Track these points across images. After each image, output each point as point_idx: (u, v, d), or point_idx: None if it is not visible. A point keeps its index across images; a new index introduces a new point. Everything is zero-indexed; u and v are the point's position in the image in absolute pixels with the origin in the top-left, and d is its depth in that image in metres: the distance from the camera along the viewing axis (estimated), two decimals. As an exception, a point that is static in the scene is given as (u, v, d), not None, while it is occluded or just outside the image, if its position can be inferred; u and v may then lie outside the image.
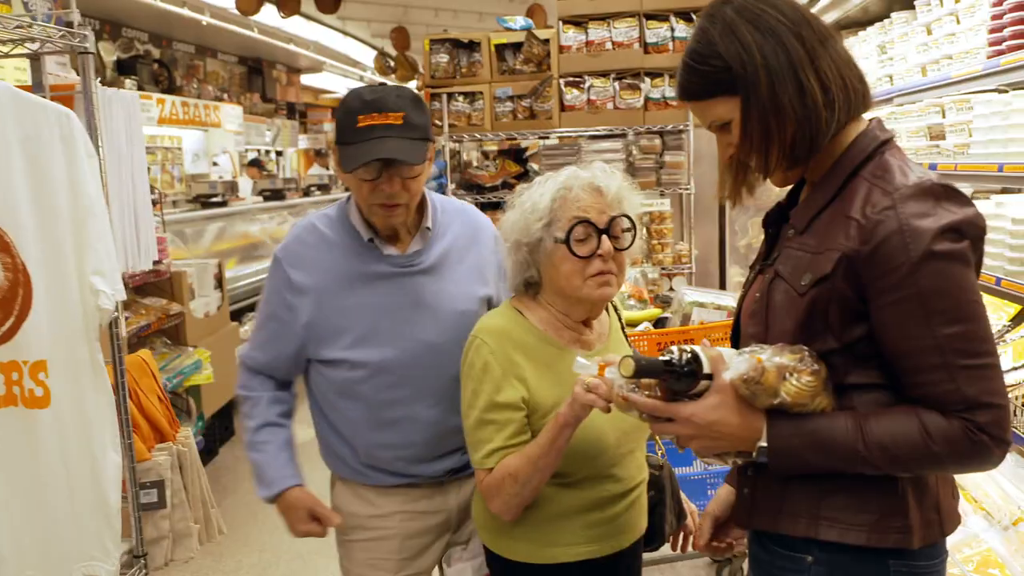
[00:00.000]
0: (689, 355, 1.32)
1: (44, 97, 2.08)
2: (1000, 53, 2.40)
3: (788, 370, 1.29)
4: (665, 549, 2.01)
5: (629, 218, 1.67)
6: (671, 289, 4.25)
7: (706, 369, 1.32)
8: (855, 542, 1.33)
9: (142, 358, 2.58)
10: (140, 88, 9.08)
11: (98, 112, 2.23)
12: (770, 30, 1.32)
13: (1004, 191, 2.94)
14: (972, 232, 1.26)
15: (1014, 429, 2.30)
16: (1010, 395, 2.33)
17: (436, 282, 1.92)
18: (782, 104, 1.31)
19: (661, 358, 1.33)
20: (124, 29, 9.90)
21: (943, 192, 1.27)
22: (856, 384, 1.34)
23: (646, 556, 1.95)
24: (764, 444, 1.32)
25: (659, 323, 3.52)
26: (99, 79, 2.31)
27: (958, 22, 2.73)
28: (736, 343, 1.52)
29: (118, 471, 2.08)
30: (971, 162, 2.57)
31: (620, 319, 1.92)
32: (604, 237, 1.62)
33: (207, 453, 5.18)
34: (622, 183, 1.69)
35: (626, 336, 1.90)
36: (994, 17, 2.45)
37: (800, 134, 1.32)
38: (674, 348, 1.34)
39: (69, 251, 1.94)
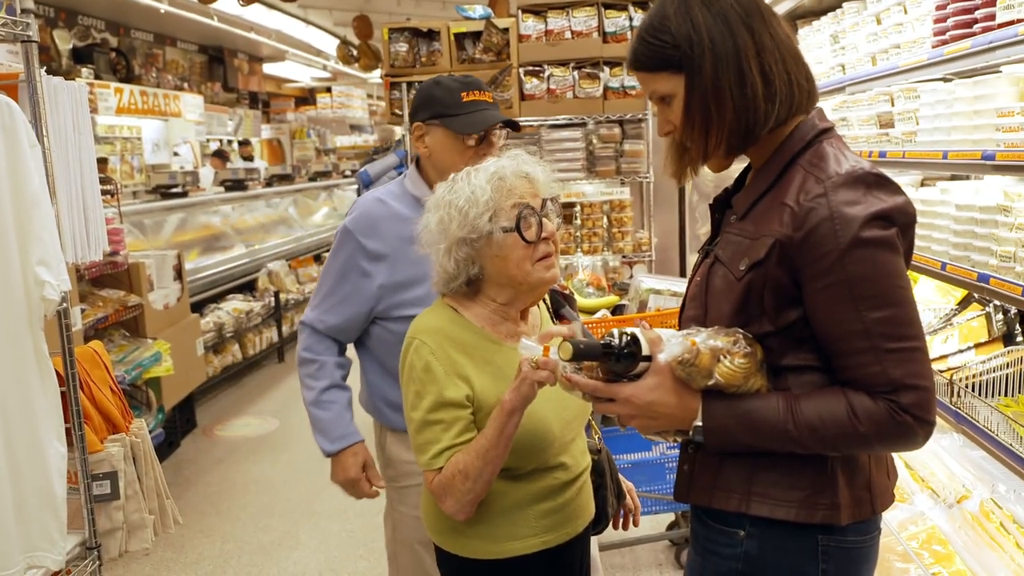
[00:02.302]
0: (628, 337, 1.35)
1: (-13, 86, 2.04)
2: (944, 43, 2.43)
3: (722, 352, 1.32)
4: (622, 532, 2.04)
5: (553, 200, 1.70)
6: (631, 277, 4.29)
7: (645, 351, 1.34)
8: (784, 517, 1.36)
9: (93, 349, 2.55)
10: (97, 77, 8.93)
11: (43, 102, 2.19)
12: (722, 15, 1.34)
13: (954, 178, 3.00)
14: (901, 219, 1.30)
15: (957, 409, 2.36)
16: (955, 377, 2.38)
17: None
18: (722, 89, 1.33)
19: (601, 341, 1.36)
20: (80, 16, 9.72)
21: (874, 180, 1.30)
22: (791, 366, 1.37)
23: (605, 540, 1.98)
24: (700, 423, 1.35)
25: (616, 310, 3.56)
26: (45, 68, 2.27)
27: (905, 12, 2.77)
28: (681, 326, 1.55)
29: (63, 461, 2.07)
30: (918, 149, 2.61)
31: (548, 309, 1.95)
32: (544, 220, 1.65)
33: (168, 445, 5.15)
34: (543, 167, 1.72)
35: (555, 324, 1.93)
36: (938, 7, 2.48)
37: (737, 123, 1.35)
38: (615, 331, 1.36)
39: (13, 241, 1.92)
